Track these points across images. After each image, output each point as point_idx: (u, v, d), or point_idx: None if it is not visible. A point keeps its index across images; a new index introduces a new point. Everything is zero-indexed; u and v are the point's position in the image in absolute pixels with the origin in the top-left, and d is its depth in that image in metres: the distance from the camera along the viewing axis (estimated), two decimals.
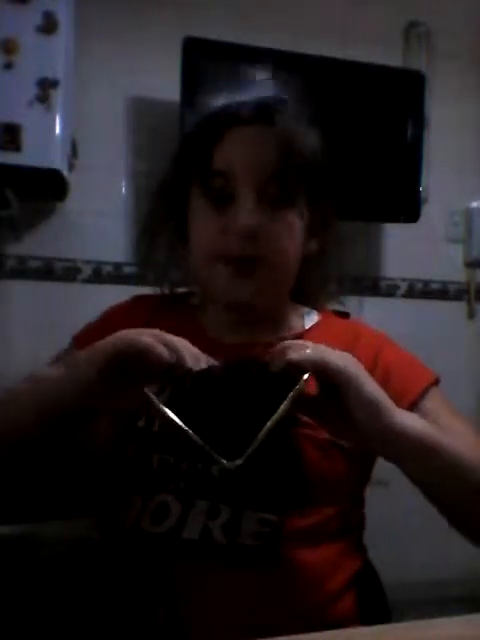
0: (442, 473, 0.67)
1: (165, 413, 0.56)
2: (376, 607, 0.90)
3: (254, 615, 0.72)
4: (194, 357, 0.61)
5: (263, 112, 0.79)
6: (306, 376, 0.58)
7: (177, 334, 0.85)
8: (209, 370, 0.60)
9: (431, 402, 0.80)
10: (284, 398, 0.57)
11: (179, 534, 0.72)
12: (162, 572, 0.72)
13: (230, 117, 0.79)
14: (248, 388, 0.59)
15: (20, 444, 0.70)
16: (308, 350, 0.61)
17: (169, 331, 0.85)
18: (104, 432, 0.83)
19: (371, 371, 0.81)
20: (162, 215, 0.88)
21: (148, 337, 0.61)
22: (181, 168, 0.83)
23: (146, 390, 0.58)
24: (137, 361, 0.60)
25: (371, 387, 0.63)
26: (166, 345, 0.60)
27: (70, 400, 0.65)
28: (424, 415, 0.77)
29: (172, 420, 0.55)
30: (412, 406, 0.79)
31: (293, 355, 0.60)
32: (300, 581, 0.74)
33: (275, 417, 0.56)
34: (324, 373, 0.61)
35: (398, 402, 0.79)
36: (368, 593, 0.84)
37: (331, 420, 0.65)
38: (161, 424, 0.76)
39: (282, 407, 0.56)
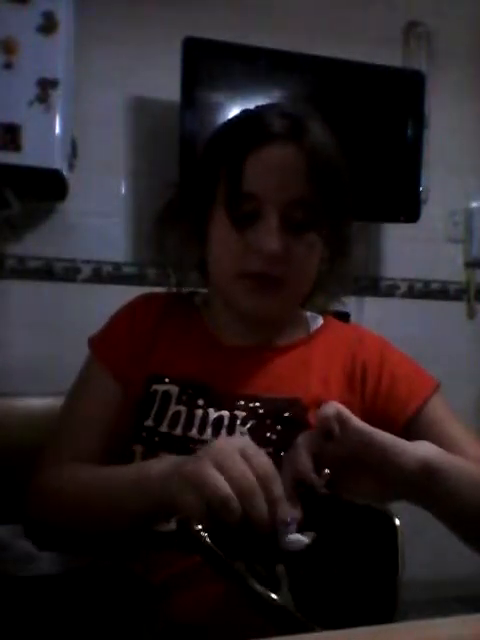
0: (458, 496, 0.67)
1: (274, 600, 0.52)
2: None
3: (254, 612, 0.72)
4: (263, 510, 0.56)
5: (291, 128, 0.77)
6: (397, 522, 0.56)
7: (184, 336, 0.87)
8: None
9: (435, 410, 0.82)
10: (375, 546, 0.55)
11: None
12: (164, 569, 0.72)
13: (258, 134, 0.77)
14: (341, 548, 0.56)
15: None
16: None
17: (176, 333, 0.86)
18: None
19: (379, 373, 0.83)
20: (176, 216, 0.87)
21: (225, 491, 0.56)
22: (205, 183, 0.82)
23: (277, 602, 0.53)
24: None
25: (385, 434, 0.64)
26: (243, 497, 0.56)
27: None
28: (429, 423, 0.81)
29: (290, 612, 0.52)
30: (417, 412, 0.81)
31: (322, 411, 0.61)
32: None
33: (399, 600, 0.53)
34: (346, 423, 0.61)
35: (404, 408, 0.82)
36: None
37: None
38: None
39: (399, 577, 0.54)
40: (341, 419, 0.62)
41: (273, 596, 0.52)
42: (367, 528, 0.56)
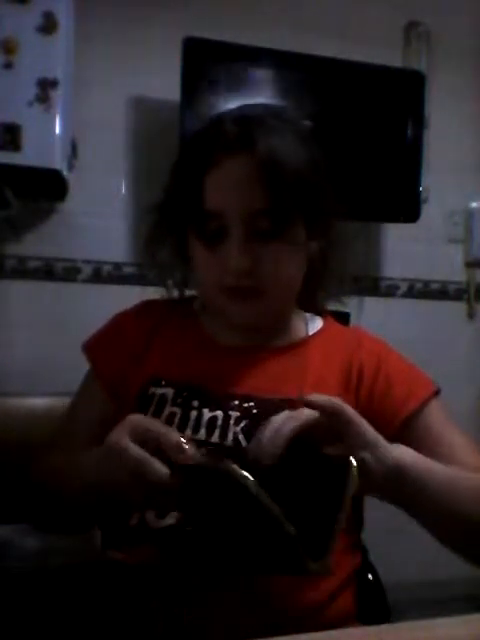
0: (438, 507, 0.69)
1: (268, 504, 0.55)
2: (375, 606, 0.90)
3: (253, 611, 0.72)
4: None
5: (244, 137, 0.76)
6: (354, 462, 0.60)
7: (182, 339, 0.88)
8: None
9: (433, 415, 0.82)
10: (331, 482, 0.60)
11: (183, 529, 0.73)
12: (163, 568, 0.72)
13: (212, 150, 0.77)
14: (297, 480, 0.60)
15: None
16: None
17: (174, 336, 0.87)
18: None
19: (374, 375, 0.83)
20: (164, 228, 0.88)
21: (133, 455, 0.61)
22: (175, 206, 0.83)
23: (250, 483, 0.57)
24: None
25: (370, 428, 0.65)
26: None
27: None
28: (426, 428, 0.81)
29: (276, 513, 0.55)
30: (414, 414, 0.81)
31: (311, 398, 0.63)
32: (298, 578, 0.74)
33: (343, 514, 0.58)
34: (337, 415, 0.63)
35: (401, 409, 0.81)
36: (367, 592, 0.85)
37: None
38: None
39: (347, 501, 0.58)
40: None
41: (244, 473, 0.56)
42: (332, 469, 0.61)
